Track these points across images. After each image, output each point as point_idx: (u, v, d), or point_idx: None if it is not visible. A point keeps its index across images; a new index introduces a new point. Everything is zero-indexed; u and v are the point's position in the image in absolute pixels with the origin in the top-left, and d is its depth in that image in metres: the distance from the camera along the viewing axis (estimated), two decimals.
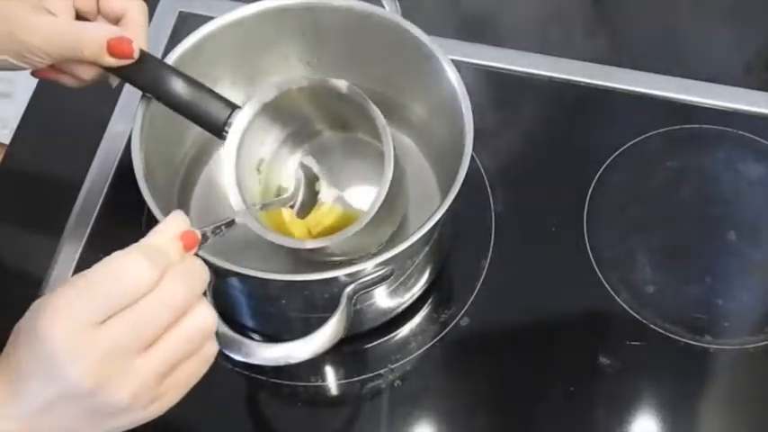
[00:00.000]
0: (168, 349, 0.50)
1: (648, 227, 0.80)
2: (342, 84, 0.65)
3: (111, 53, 0.62)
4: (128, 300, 0.49)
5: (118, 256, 0.50)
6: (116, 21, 0.64)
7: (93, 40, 0.62)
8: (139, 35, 0.64)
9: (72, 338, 0.48)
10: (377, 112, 0.65)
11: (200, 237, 0.54)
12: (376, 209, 0.64)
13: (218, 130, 0.66)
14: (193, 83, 0.65)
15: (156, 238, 0.52)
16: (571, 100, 0.86)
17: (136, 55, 0.63)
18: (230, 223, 0.61)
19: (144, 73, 0.65)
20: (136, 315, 0.49)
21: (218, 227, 0.59)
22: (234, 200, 0.66)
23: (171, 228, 0.53)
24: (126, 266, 0.49)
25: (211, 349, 0.53)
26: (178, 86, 0.65)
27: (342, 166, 0.74)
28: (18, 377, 0.49)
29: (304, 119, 0.71)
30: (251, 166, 0.70)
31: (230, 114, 0.66)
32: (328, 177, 0.74)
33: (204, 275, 0.52)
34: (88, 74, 0.64)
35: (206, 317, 0.52)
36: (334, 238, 0.65)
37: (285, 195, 0.72)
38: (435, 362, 0.74)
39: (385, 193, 0.64)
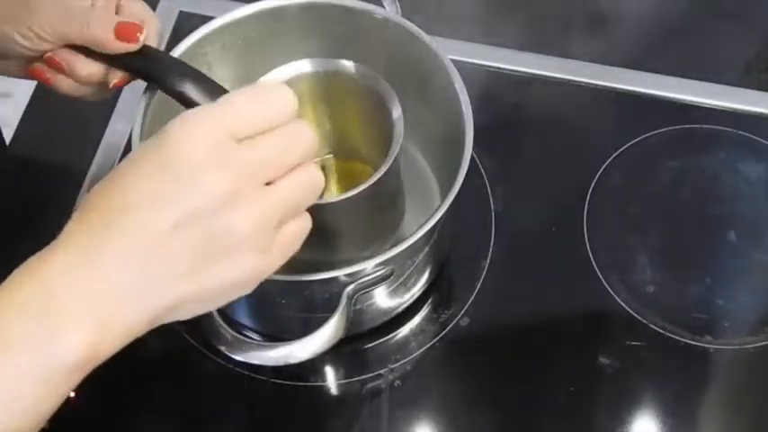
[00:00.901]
0: (290, 189, 0.49)
1: (648, 227, 0.80)
2: (349, 65, 0.65)
3: (119, 36, 0.62)
4: (270, 123, 0.48)
5: (266, 84, 0.51)
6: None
7: (103, 21, 0.62)
8: (152, 34, 0.64)
9: (212, 148, 0.46)
10: (385, 86, 0.65)
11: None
12: (377, 178, 0.63)
13: None
14: (201, 77, 0.65)
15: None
16: (571, 100, 0.86)
17: (141, 41, 0.63)
18: None
19: (152, 63, 0.64)
20: (279, 139, 0.49)
21: None
22: None
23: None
24: (274, 90, 0.50)
25: (308, 221, 0.52)
26: (185, 79, 0.65)
27: (345, 164, 0.74)
28: (127, 206, 0.46)
29: (309, 111, 0.71)
30: None
31: None
32: (332, 170, 0.74)
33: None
34: (86, 69, 0.64)
35: (319, 174, 0.51)
36: (334, 197, 0.65)
37: None
38: (435, 362, 0.74)
39: (388, 165, 0.64)
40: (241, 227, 0.47)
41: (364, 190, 0.63)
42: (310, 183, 0.51)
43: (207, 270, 0.48)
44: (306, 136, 0.50)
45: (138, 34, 0.62)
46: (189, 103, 0.64)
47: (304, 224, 0.52)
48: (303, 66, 0.68)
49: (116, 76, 0.65)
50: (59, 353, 0.45)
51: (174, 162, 0.47)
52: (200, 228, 0.47)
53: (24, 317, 0.45)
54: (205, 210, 0.46)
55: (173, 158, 0.47)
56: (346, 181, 0.75)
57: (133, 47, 0.63)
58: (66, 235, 0.48)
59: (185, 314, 0.49)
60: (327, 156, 0.71)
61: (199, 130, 0.47)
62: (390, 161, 0.64)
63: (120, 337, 0.47)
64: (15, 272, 0.47)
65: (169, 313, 0.48)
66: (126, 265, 0.46)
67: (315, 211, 0.53)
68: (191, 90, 0.64)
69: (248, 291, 0.51)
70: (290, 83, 0.68)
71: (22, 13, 0.61)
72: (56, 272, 0.46)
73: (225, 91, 0.66)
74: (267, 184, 0.49)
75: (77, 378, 0.46)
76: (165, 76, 0.64)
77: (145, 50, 0.63)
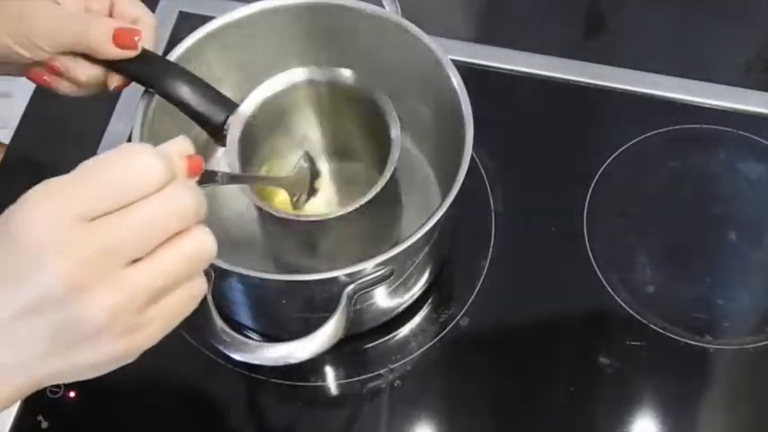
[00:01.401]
0: (162, 265, 0.44)
1: (648, 227, 0.80)
2: (347, 74, 0.65)
3: (116, 43, 0.62)
4: (128, 196, 0.43)
5: (125, 147, 0.44)
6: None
7: (100, 28, 0.62)
8: (148, 35, 0.64)
9: (53, 231, 0.42)
10: (385, 99, 0.65)
11: (203, 165, 0.48)
12: (375, 192, 0.64)
13: (217, 131, 0.66)
14: (197, 81, 0.65)
15: (163, 148, 0.46)
16: (571, 100, 0.86)
17: (139, 47, 0.63)
18: (228, 178, 0.60)
19: (147, 67, 0.65)
20: (135, 216, 0.43)
21: (218, 174, 0.56)
22: (230, 161, 0.65)
23: (177, 146, 0.47)
24: (133, 157, 0.43)
25: (201, 285, 0.47)
26: (181, 83, 0.65)
27: (343, 169, 0.74)
28: None
29: (306, 118, 0.71)
30: (253, 162, 0.70)
31: (228, 116, 0.66)
32: (330, 175, 0.74)
33: (204, 204, 0.46)
34: (85, 74, 0.64)
35: (207, 240, 0.46)
36: (330, 214, 0.65)
37: (284, 176, 0.72)
38: (435, 362, 0.74)
39: (387, 177, 0.64)
40: (94, 315, 0.43)
41: (359, 207, 0.64)
42: (195, 252, 0.45)
43: (66, 354, 0.44)
44: (175, 206, 0.44)
45: (136, 39, 0.63)
46: (186, 109, 0.65)
47: (196, 290, 0.47)
48: (300, 74, 0.69)
49: (116, 80, 0.65)
50: None
51: (15, 246, 0.42)
52: (46, 318, 0.43)
53: None
54: (48, 299, 0.42)
55: (14, 242, 0.42)
56: (346, 182, 0.75)
57: (131, 53, 0.63)
58: None
59: (62, 382, 0.46)
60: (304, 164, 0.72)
61: (40, 212, 0.42)
62: (387, 178, 0.64)
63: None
64: None
65: (37, 386, 0.46)
66: None
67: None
68: (187, 95, 0.64)
69: (127, 362, 0.47)
70: (288, 90, 0.68)
71: (19, 25, 0.61)
72: None
73: (223, 97, 0.66)
74: (136, 260, 0.44)
75: None
76: (160, 81, 0.65)
77: (142, 54, 0.64)
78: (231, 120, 0.66)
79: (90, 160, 0.44)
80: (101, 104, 0.83)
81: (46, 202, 0.43)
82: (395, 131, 0.66)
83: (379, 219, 0.70)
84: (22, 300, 0.43)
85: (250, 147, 0.68)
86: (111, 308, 0.43)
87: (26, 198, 0.43)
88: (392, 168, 0.65)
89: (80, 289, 0.42)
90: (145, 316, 0.45)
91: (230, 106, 0.66)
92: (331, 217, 0.65)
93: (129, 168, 0.43)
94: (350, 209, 0.64)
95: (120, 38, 0.62)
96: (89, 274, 0.42)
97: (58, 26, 0.62)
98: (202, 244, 0.46)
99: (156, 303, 0.45)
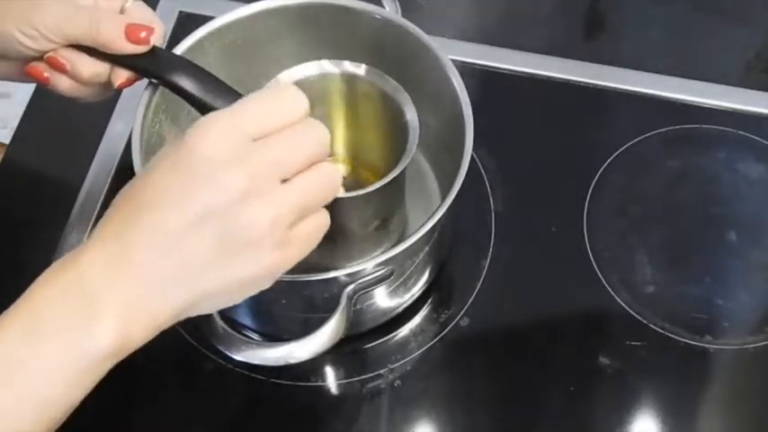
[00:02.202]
0: (308, 186, 0.51)
1: (648, 227, 0.80)
2: (361, 68, 0.66)
3: (129, 38, 0.62)
4: (283, 123, 0.50)
5: (275, 85, 0.53)
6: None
7: (112, 22, 0.62)
8: (159, 33, 0.64)
9: (228, 146, 0.48)
10: (398, 87, 0.65)
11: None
12: (390, 178, 0.63)
13: None
14: (202, 73, 0.65)
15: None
16: (571, 100, 0.86)
17: (152, 42, 0.62)
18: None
19: (152, 60, 0.64)
20: (292, 137, 0.50)
21: None
22: None
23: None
24: (285, 91, 0.51)
25: (326, 216, 0.54)
26: (186, 75, 0.64)
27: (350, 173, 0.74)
28: (149, 204, 0.49)
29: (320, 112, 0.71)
30: None
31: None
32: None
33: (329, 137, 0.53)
34: (89, 70, 0.63)
35: (336, 172, 0.53)
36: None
37: None
38: (435, 362, 0.74)
39: (405, 165, 0.63)
40: (258, 222, 0.49)
41: (373, 190, 0.63)
42: (326, 180, 0.52)
43: (226, 265, 0.49)
44: (317, 133, 0.52)
45: (149, 34, 0.62)
46: (194, 101, 0.64)
47: (322, 221, 0.53)
48: (314, 67, 0.68)
49: (120, 77, 0.64)
50: (92, 342, 0.48)
51: (193, 161, 0.48)
52: (219, 223, 0.48)
53: (59, 309, 0.48)
54: (223, 206, 0.48)
55: (191, 158, 0.48)
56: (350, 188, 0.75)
57: (143, 48, 0.62)
58: (95, 234, 0.50)
59: (207, 308, 0.52)
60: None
61: (215, 130, 0.49)
62: (407, 160, 0.63)
63: (147, 329, 0.49)
64: (50, 268, 0.49)
65: (192, 307, 0.50)
66: (149, 261, 0.48)
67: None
68: (197, 89, 0.64)
69: (266, 286, 0.52)
70: (301, 84, 0.68)
71: (28, 10, 0.60)
72: (88, 269, 0.48)
73: (231, 89, 0.66)
74: (283, 181, 0.50)
75: (106, 368, 0.49)
76: (166, 74, 0.64)
77: (153, 50, 0.63)
78: None
79: (249, 95, 0.52)
80: (101, 105, 0.83)
81: (219, 124, 0.49)
82: (411, 114, 0.65)
83: (383, 208, 0.69)
84: (200, 208, 0.48)
85: None
86: (272, 217, 0.49)
87: (200, 122, 0.49)
88: (410, 155, 0.64)
89: (249, 197, 0.48)
90: (291, 234, 0.51)
91: (236, 97, 0.66)
92: (340, 195, 0.64)
93: (285, 99, 0.51)
94: (360, 192, 0.63)
95: (132, 33, 0.62)
96: (256, 185, 0.48)
97: (69, 17, 0.61)
98: (331, 174, 0.52)
99: (298, 225, 0.51)
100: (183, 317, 0.51)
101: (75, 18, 0.61)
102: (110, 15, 0.62)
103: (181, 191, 0.49)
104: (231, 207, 0.48)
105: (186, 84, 0.64)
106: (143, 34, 0.62)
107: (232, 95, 0.65)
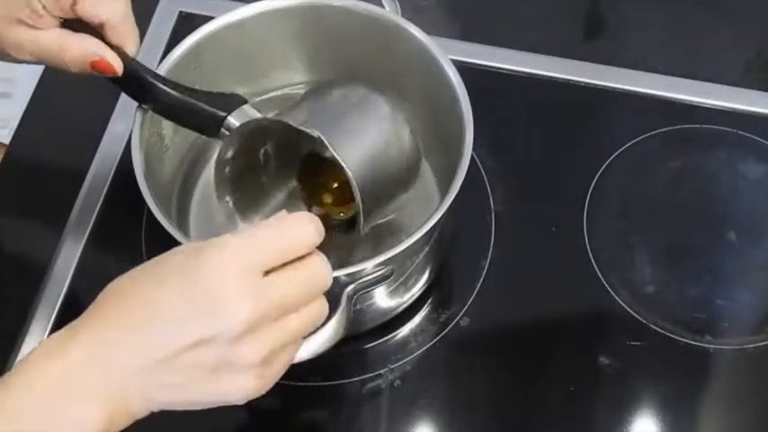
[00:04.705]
0: (300, 324, 0.52)
1: (648, 227, 0.80)
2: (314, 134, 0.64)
3: (96, 70, 0.62)
4: (296, 255, 0.50)
5: (286, 215, 0.51)
6: (99, 25, 0.62)
7: (76, 57, 0.62)
8: (126, 39, 0.63)
9: (243, 280, 0.48)
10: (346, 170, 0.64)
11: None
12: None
13: (213, 133, 0.66)
14: (183, 90, 0.65)
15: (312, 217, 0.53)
16: (571, 100, 0.86)
17: (119, 71, 0.63)
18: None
19: (133, 84, 0.64)
20: (304, 276, 0.51)
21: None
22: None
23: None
24: (297, 224, 0.51)
25: (295, 350, 0.54)
26: (167, 96, 0.65)
27: None
28: (142, 321, 0.49)
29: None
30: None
31: (223, 119, 0.65)
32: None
33: None
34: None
35: (325, 305, 0.53)
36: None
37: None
38: (435, 362, 0.74)
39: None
40: (249, 357, 0.49)
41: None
42: (317, 316, 0.53)
43: (209, 383, 0.50)
44: (324, 273, 0.52)
45: (114, 67, 0.62)
46: (179, 122, 0.65)
47: (291, 353, 0.54)
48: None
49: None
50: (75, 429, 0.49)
51: (205, 286, 0.48)
52: (212, 352, 0.49)
53: (45, 401, 0.48)
54: (224, 336, 0.48)
55: (205, 283, 0.48)
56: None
57: (115, 75, 0.63)
58: (86, 328, 0.50)
59: (176, 408, 0.53)
60: None
61: (232, 261, 0.49)
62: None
63: (124, 424, 0.51)
64: (36, 355, 0.49)
65: (164, 407, 0.52)
66: (140, 370, 0.49)
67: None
68: (177, 114, 0.65)
69: (237, 403, 0.52)
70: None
71: None
72: (74, 366, 0.49)
73: (210, 100, 0.65)
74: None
75: None
76: (149, 102, 0.65)
77: (128, 70, 0.63)
78: (226, 123, 0.66)
79: (255, 226, 0.51)
80: (101, 104, 0.83)
81: (235, 255, 0.49)
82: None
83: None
84: (202, 333, 0.48)
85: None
86: (264, 354, 0.50)
87: (217, 249, 0.49)
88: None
89: (252, 333, 0.49)
90: (269, 366, 0.51)
91: (220, 110, 0.66)
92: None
93: (296, 232, 0.51)
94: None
95: (97, 66, 0.62)
96: (261, 322, 0.49)
97: (33, 55, 0.62)
98: (323, 310, 0.53)
99: (278, 355, 0.52)
100: (147, 413, 0.52)
101: (42, 54, 0.62)
102: (74, 49, 0.62)
103: (187, 313, 0.49)
104: (231, 340, 0.49)
105: (162, 105, 0.65)
106: (107, 68, 0.62)
107: (210, 111, 0.65)
